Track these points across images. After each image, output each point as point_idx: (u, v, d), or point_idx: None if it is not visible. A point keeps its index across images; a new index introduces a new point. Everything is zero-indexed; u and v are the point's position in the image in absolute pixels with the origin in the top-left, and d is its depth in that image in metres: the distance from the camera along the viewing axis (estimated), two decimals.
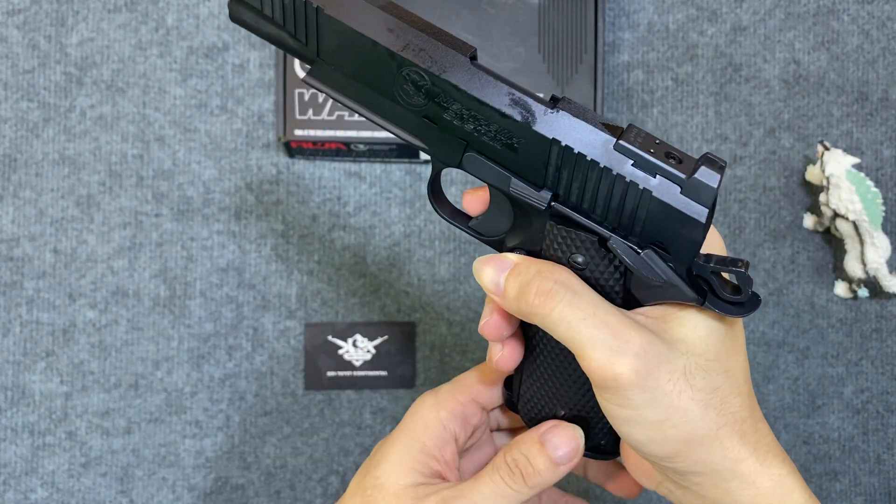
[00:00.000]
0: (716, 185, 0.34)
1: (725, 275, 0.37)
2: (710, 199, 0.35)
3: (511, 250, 0.40)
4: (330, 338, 0.69)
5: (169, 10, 0.70)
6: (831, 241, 0.71)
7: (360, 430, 0.69)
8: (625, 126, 0.36)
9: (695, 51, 0.72)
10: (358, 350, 0.69)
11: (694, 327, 0.37)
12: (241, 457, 0.69)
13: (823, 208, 0.68)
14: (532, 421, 0.45)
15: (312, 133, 0.66)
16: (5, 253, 0.69)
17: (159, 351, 0.69)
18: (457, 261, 0.70)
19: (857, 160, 0.67)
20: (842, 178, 0.66)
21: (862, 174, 0.67)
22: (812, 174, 0.69)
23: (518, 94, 0.36)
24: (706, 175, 0.35)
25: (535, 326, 0.40)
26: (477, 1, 0.68)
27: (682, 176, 0.35)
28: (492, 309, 0.40)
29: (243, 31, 0.70)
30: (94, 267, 0.69)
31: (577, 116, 0.36)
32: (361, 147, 0.68)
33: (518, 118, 0.36)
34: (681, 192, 0.35)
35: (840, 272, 0.70)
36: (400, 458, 0.43)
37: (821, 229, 0.71)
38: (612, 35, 0.72)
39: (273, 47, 0.70)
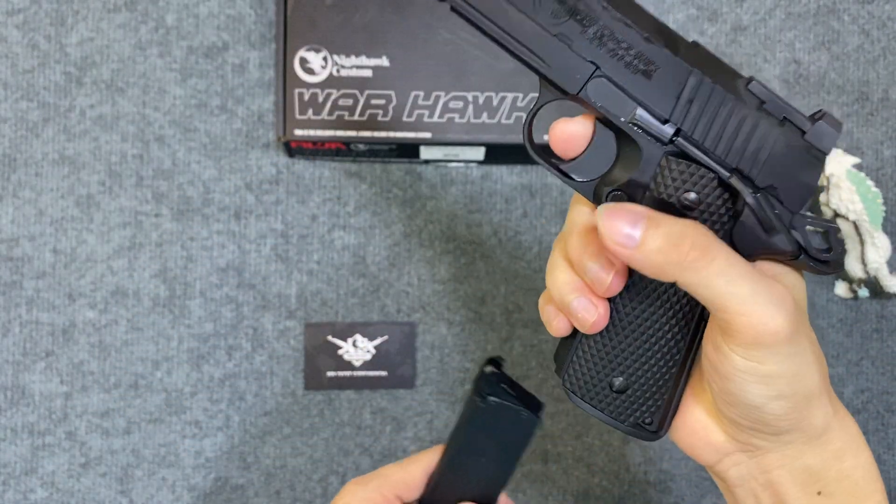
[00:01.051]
0: (837, 134, 0.36)
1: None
2: (830, 145, 0.36)
3: (603, 197, 0.39)
4: (330, 338, 0.69)
5: (168, 9, 0.70)
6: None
7: (360, 431, 0.69)
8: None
9: None
10: (358, 350, 0.69)
11: (793, 285, 0.39)
12: (241, 457, 0.69)
13: (824, 208, 0.68)
14: (579, 392, 0.42)
15: (312, 133, 0.66)
16: (5, 253, 0.69)
17: (159, 351, 0.69)
18: (457, 261, 0.70)
19: (857, 160, 0.67)
20: (842, 178, 0.66)
21: (862, 174, 0.67)
22: None
23: (662, 24, 0.37)
24: (830, 123, 0.37)
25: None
26: None
27: (808, 122, 0.37)
28: (608, 268, 0.38)
29: (243, 30, 0.70)
30: (94, 267, 0.69)
31: (714, 56, 0.37)
32: (361, 147, 0.67)
33: (663, 44, 0.36)
34: (804, 137, 0.37)
35: (840, 272, 0.70)
36: None
37: (821, 230, 0.71)
38: None
39: (272, 46, 0.70)
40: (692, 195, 0.37)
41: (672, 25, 0.72)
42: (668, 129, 0.37)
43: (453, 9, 0.37)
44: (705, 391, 0.41)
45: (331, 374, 0.69)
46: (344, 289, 0.70)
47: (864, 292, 0.69)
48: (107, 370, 0.69)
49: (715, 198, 0.37)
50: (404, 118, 0.66)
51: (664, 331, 0.40)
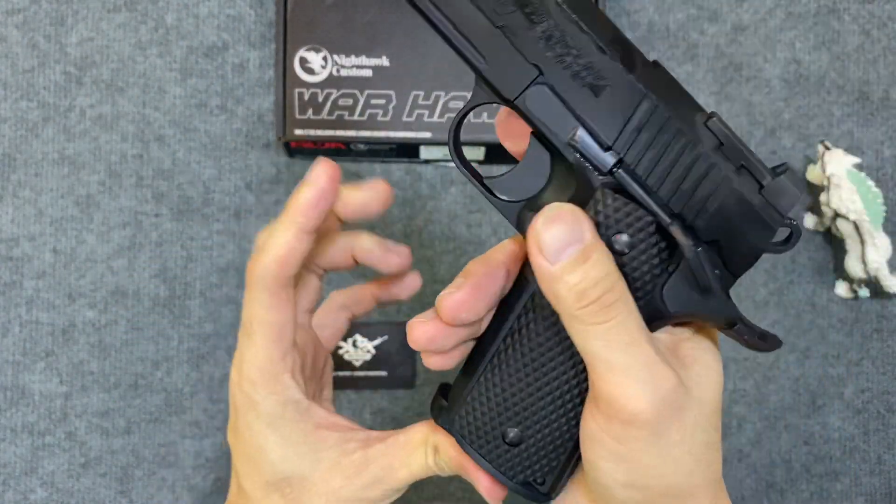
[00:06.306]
0: (799, 195, 0.32)
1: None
2: (789, 207, 0.32)
3: (526, 224, 0.33)
4: None
5: (168, 9, 0.70)
6: (832, 241, 0.71)
7: None
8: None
9: (695, 50, 0.72)
10: (358, 350, 0.69)
11: (708, 370, 0.35)
12: None
13: (824, 208, 0.68)
14: (468, 438, 0.37)
15: (312, 133, 0.66)
16: (5, 253, 0.69)
17: (159, 351, 0.69)
18: (457, 261, 0.70)
19: (857, 160, 0.67)
20: (843, 178, 0.66)
21: (863, 174, 0.67)
22: (813, 174, 0.69)
23: (621, 34, 0.32)
24: (791, 180, 0.32)
25: (513, 313, 0.35)
26: None
27: (767, 175, 0.32)
28: (478, 280, 0.35)
29: (243, 30, 0.70)
30: (94, 267, 0.69)
31: (675, 80, 0.33)
32: (361, 147, 0.67)
33: (618, 58, 0.32)
34: (760, 191, 0.32)
35: (841, 272, 0.70)
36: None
37: (821, 229, 0.71)
38: None
39: (272, 46, 0.70)
40: (625, 237, 0.32)
41: (672, 25, 0.72)
42: (610, 158, 0.32)
43: None
44: None
45: None
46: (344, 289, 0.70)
47: (864, 292, 0.69)
48: (107, 370, 0.69)
49: (649, 245, 0.32)
50: (404, 118, 0.66)
51: (564, 379, 0.35)
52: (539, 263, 0.32)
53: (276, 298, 0.40)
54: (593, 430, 0.33)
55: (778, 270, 0.71)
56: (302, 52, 0.66)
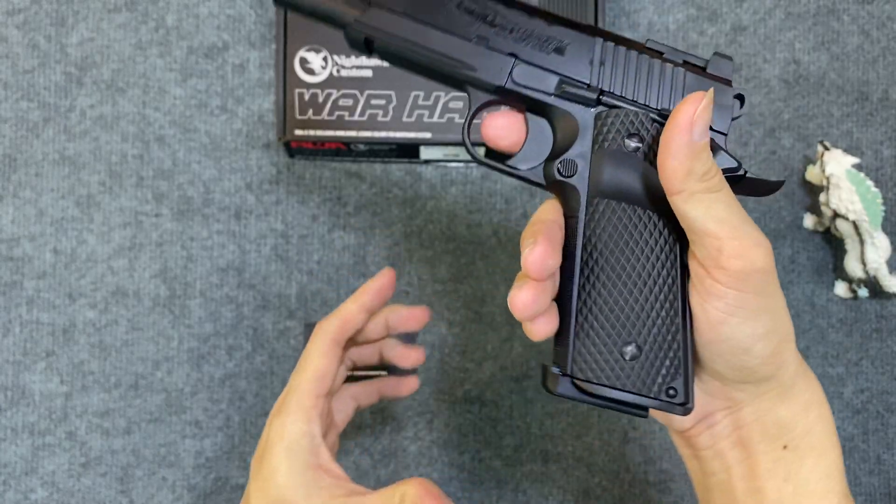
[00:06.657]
0: (731, 62, 0.42)
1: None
2: (730, 73, 0.42)
3: (554, 171, 0.41)
4: None
5: (169, 9, 0.70)
6: (831, 241, 0.71)
7: (360, 430, 0.69)
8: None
9: (695, 50, 0.72)
10: None
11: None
12: (241, 457, 0.69)
13: (823, 208, 0.68)
14: (594, 375, 0.40)
15: (312, 133, 0.66)
16: (5, 253, 0.69)
17: (159, 351, 0.69)
18: (457, 261, 0.70)
19: (856, 160, 0.67)
20: (842, 178, 0.66)
21: (862, 174, 0.67)
22: (812, 174, 0.69)
23: (549, 12, 0.42)
24: (722, 56, 0.42)
25: (579, 248, 0.41)
26: None
27: (702, 60, 0.42)
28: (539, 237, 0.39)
29: (243, 30, 0.71)
30: (94, 267, 0.69)
31: (611, 32, 0.43)
32: (361, 147, 0.68)
33: (563, 24, 0.42)
34: (705, 71, 0.42)
35: (840, 272, 0.70)
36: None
37: (821, 229, 0.71)
38: None
39: (273, 46, 0.70)
40: (633, 141, 0.41)
41: (672, 26, 0.72)
42: (593, 92, 0.41)
43: (381, 53, 0.43)
44: None
45: None
46: (344, 289, 0.70)
47: (863, 292, 0.69)
48: (107, 370, 0.69)
49: (655, 133, 0.41)
50: (404, 118, 0.66)
51: (653, 281, 0.41)
52: (687, 141, 0.38)
53: (329, 349, 0.52)
54: (729, 297, 0.39)
55: (777, 270, 0.71)
56: (302, 53, 0.67)
